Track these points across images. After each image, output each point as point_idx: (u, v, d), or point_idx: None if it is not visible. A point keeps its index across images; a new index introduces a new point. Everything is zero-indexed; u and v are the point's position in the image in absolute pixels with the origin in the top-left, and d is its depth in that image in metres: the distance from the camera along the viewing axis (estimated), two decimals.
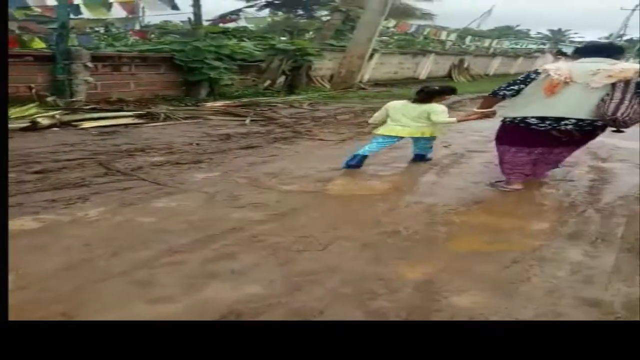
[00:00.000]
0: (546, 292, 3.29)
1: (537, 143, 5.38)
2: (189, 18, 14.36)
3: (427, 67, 22.96)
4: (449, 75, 23.76)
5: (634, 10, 51.95)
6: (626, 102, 4.82)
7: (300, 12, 33.83)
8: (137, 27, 19.44)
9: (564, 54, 39.87)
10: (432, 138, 6.54)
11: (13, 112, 7.72)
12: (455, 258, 3.76)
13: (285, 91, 13.82)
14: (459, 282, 3.36)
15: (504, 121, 5.62)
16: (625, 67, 4.98)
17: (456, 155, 7.15)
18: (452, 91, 6.78)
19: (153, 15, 20.31)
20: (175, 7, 12.81)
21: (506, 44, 36.57)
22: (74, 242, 3.71)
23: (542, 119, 5.22)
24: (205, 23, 15.86)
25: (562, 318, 3.00)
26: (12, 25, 12.35)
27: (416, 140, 6.54)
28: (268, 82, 13.65)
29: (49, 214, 4.23)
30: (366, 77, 18.61)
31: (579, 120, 5.11)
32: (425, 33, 27.11)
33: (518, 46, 39.74)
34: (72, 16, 11.03)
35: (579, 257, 3.86)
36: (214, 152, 6.63)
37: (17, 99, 8.35)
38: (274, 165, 6.17)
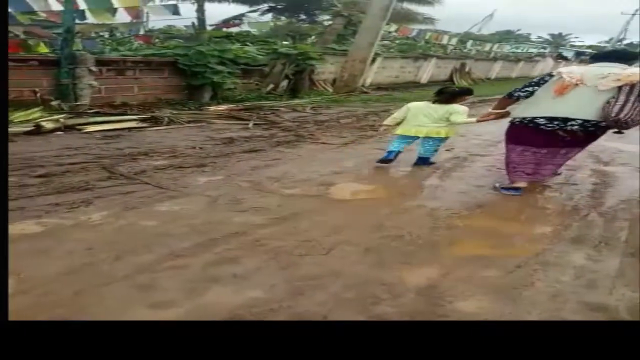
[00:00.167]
0: (550, 297, 3.29)
1: (544, 143, 5.48)
2: (193, 23, 14.40)
3: (428, 71, 22.96)
4: (450, 79, 23.75)
5: (634, 14, 52.02)
6: (629, 105, 4.93)
7: (303, 16, 33.84)
8: (142, 31, 19.47)
9: (565, 58, 39.98)
10: (445, 139, 6.64)
11: (17, 115, 7.73)
12: (458, 263, 3.75)
13: (288, 95, 13.82)
14: (462, 287, 3.36)
15: (512, 122, 5.72)
16: (633, 72, 5.08)
17: (459, 159, 7.16)
18: (470, 92, 6.97)
19: (157, 20, 20.31)
20: (176, 12, 12.84)
21: (507, 48, 36.55)
22: (77, 246, 3.71)
23: (551, 119, 5.33)
24: (208, 28, 15.87)
25: None
26: (18, 30, 12.41)
27: (425, 141, 6.58)
28: (271, 86, 13.65)
29: (51, 218, 4.22)
30: (368, 81, 18.61)
31: (584, 121, 5.22)
32: (426, 37, 27.08)
33: (519, 50, 39.70)
34: (77, 21, 11.03)
35: (583, 262, 3.86)
36: (217, 156, 6.63)
37: (22, 103, 8.35)
38: (276, 169, 6.17)
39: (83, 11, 11.50)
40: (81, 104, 9.26)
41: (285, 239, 4.02)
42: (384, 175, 6.28)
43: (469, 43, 32.03)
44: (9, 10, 10.84)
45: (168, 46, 12.92)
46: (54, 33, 11.74)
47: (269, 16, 31.53)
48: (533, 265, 3.74)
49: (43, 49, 10.59)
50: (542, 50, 43.57)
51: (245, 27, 21.76)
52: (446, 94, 6.54)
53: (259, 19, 27.76)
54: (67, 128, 7.72)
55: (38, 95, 8.95)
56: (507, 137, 5.85)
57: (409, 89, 19.24)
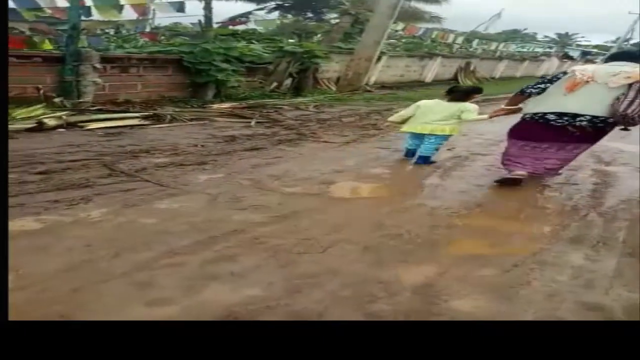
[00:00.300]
0: (546, 296, 3.29)
1: (553, 138, 5.65)
2: (199, 20, 14.36)
3: (433, 70, 22.92)
4: (455, 78, 23.68)
5: None
6: (638, 101, 5.08)
7: (310, 14, 33.84)
8: (148, 29, 19.49)
9: (571, 58, 39.94)
10: (448, 136, 6.73)
11: (19, 112, 7.73)
12: (456, 261, 3.76)
13: (292, 93, 13.81)
14: (459, 285, 3.36)
15: (523, 117, 5.92)
16: None
17: (460, 158, 7.16)
18: (480, 91, 7.19)
19: (163, 17, 20.31)
20: (181, 10, 12.83)
21: (513, 47, 36.48)
22: (76, 243, 3.71)
23: (560, 114, 5.49)
24: (215, 25, 15.86)
25: None
26: (23, 27, 12.42)
27: (427, 138, 6.64)
28: (275, 84, 13.64)
29: (51, 215, 4.22)
30: (373, 80, 18.59)
31: (593, 116, 5.37)
32: (433, 36, 27.04)
33: (525, 50, 39.63)
34: (83, 18, 11.04)
35: (580, 261, 3.86)
36: (218, 154, 6.63)
37: (25, 100, 8.35)
38: (277, 167, 6.17)
39: (89, 8, 11.52)
40: (84, 101, 9.27)
41: (285, 237, 4.02)
42: (385, 174, 6.29)
43: (475, 42, 31.99)
44: (14, 6, 10.89)
45: (173, 43, 12.91)
46: (59, 30, 11.73)
47: (275, 14, 31.57)
48: (530, 264, 3.74)
49: (48, 45, 10.61)
50: (547, 50, 43.51)
51: (251, 25, 21.80)
52: (459, 92, 6.79)
53: (265, 17, 27.80)
54: (69, 125, 7.72)
55: (41, 92, 8.95)
56: (514, 132, 6.03)
57: (413, 88, 19.21)
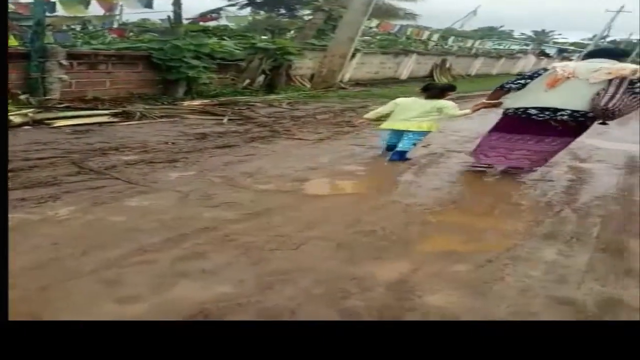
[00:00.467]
0: (519, 291, 3.30)
1: (533, 132, 5.91)
2: (169, 16, 14.20)
3: (408, 67, 22.94)
4: (430, 76, 23.75)
5: (618, 12, 52.56)
6: (618, 96, 5.32)
7: (283, 11, 33.70)
8: (115, 25, 19.25)
9: (547, 55, 40.37)
10: (426, 133, 6.79)
11: None
12: (429, 258, 3.74)
13: (265, 90, 13.73)
14: (432, 281, 3.35)
15: (505, 112, 6.16)
16: (624, 66, 5.51)
17: (435, 155, 7.15)
18: (453, 89, 7.25)
19: (132, 13, 20.11)
20: (149, 5, 12.67)
21: (489, 45, 36.72)
22: (43, 241, 3.64)
23: (542, 109, 5.74)
24: (185, 21, 15.72)
25: (534, 317, 3.01)
26: None
27: (405, 134, 6.70)
28: (247, 81, 13.54)
29: (17, 213, 4.12)
30: (347, 77, 18.56)
31: (573, 111, 5.61)
32: (407, 33, 27.08)
33: (501, 47, 39.93)
34: (47, 13, 10.84)
35: (554, 257, 3.88)
36: (189, 151, 6.53)
37: None
38: (250, 165, 6.11)
39: (54, 3, 11.32)
40: (51, 98, 9.10)
41: (257, 235, 3.98)
42: (359, 171, 6.25)
43: (451, 39, 32.15)
44: None
45: (142, 40, 12.76)
46: (23, 26, 11.52)
47: (247, 10, 31.37)
48: (504, 260, 3.75)
49: (12, 42, 10.40)
50: (524, 47, 43.89)
51: (223, 21, 21.64)
52: (434, 89, 6.90)
53: (237, 13, 27.61)
54: (36, 122, 7.57)
55: None
56: (498, 126, 6.28)
57: (388, 85, 19.21)
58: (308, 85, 16.05)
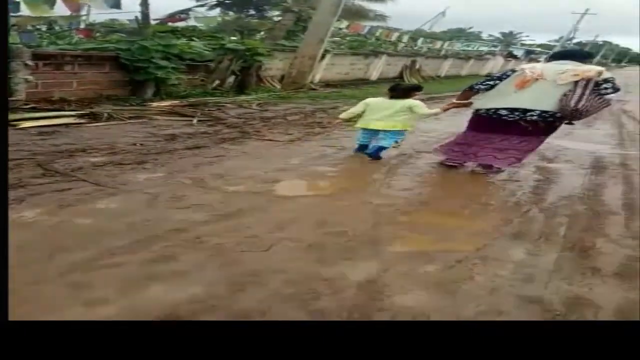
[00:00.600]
0: (488, 291, 3.31)
1: (505, 132, 6.11)
2: (136, 17, 14.10)
3: (378, 68, 23.04)
4: (400, 77, 23.89)
5: (583, 14, 53.41)
6: (585, 97, 5.55)
7: (252, 12, 33.59)
8: (82, 25, 19.03)
9: (515, 57, 40.89)
10: (403, 132, 6.96)
11: None
12: (399, 258, 3.74)
13: (235, 91, 13.70)
14: (402, 281, 3.36)
15: (477, 112, 6.37)
16: (589, 68, 5.76)
17: (405, 155, 7.17)
18: (419, 89, 7.44)
19: (99, 14, 19.90)
20: (117, 6, 12.56)
21: (458, 46, 37.03)
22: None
23: (512, 110, 5.96)
24: (153, 22, 15.60)
25: (503, 316, 3.03)
26: None
27: (383, 133, 6.86)
28: (217, 82, 13.49)
29: None
30: (317, 78, 18.58)
31: (542, 111, 5.84)
32: (377, 34, 27.21)
33: (469, 48, 40.30)
34: (12, 13, 10.67)
35: (522, 256, 3.91)
36: (158, 153, 6.48)
37: None
38: (220, 166, 6.08)
39: (18, 3, 11.16)
40: (16, 99, 8.96)
41: (227, 236, 3.95)
42: (330, 172, 6.24)
43: (420, 40, 32.36)
44: None
45: (110, 40, 12.64)
46: None
47: (216, 11, 31.20)
48: (473, 260, 3.76)
49: None
50: (492, 49, 44.35)
51: (192, 22, 21.52)
52: (399, 89, 7.08)
53: (206, 14, 27.46)
54: None
55: None
56: (470, 125, 6.53)
57: (358, 86, 19.28)
58: (278, 86, 16.05)
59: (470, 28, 74.39)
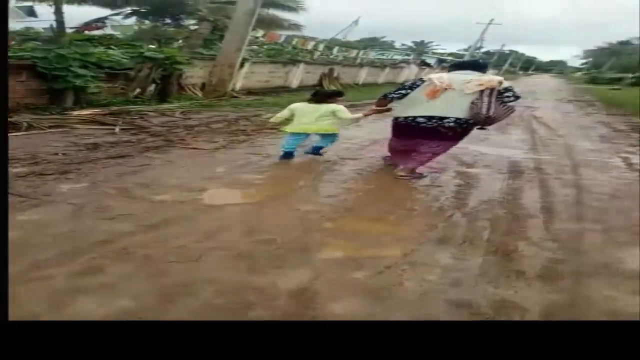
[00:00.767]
0: (418, 296, 3.35)
1: (425, 137, 6.46)
2: (51, 25, 13.78)
3: (298, 76, 23.16)
4: (319, 84, 24.05)
5: (488, 24, 55.01)
6: (493, 105, 6.09)
7: (168, 20, 33.17)
8: None
9: (428, 65, 41.83)
10: (334, 134, 7.34)
11: None
12: (329, 265, 3.76)
13: (156, 99, 13.55)
14: (333, 289, 3.38)
15: (397, 120, 6.76)
16: (491, 78, 6.34)
17: (329, 162, 7.25)
18: (340, 94, 7.96)
19: (13, 22, 19.33)
20: (32, 14, 12.26)
21: (372, 55, 37.53)
22: None
23: (429, 117, 6.36)
24: (68, 30, 15.27)
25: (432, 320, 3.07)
26: None
27: (321, 136, 7.43)
28: (138, 91, 13.32)
29: None
30: (238, 86, 18.55)
31: (457, 118, 6.28)
32: (293, 43, 27.35)
33: (384, 57, 40.91)
34: None
35: (448, 261, 3.97)
36: (81, 162, 6.37)
37: None
38: (145, 175, 6.02)
39: None
40: None
41: (155, 247, 3.92)
42: (257, 179, 6.25)
43: (336, 49, 32.66)
44: None
45: (25, 49, 12.31)
46: None
47: (132, 19, 30.72)
48: (402, 265, 3.80)
49: None
50: (406, 57, 45.12)
51: (108, 30, 21.16)
52: (320, 94, 7.60)
53: (122, 22, 27.03)
54: None
55: None
56: (394, 132, 6.93)
57: (280, 94, 19.33)
58: (200, 94, 15.96)
59: (383, 37, 75.54)
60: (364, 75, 30.31)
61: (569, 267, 3.93)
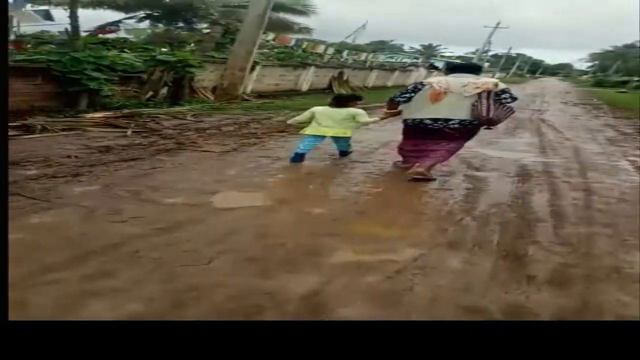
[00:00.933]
0: (429, 301, 3.33)
1: (431, 138, 6.64)
2: (66, 28, 13.85)
3: (308, 80, 23.18)
4: (329, 88, 24.06)
5: (495, 28, 54.96)
6: (492, 106, 6.34)
7: (181, 24, 33.28)
8: (12, 37, 18.59)
9: (436, 68, 41.80)
10: (349, 137, 7.66)
11: None
12: (340, 269, 3.75)
13: (168, 102, 13.61)
14: (344, 293, 3.36)
15: (406, 122, 6.99)
16: (487, 81, 6.68)
17: (339, 166, 7.26)
18: (359, 98, 8.24)
19: (29, 26, 19.45)
20: (49, 17, 12.35)
21: (382, 58, 37.51)
22: None
23: (435, 120, 6.58)
24: (83, 34, 15.35)
25: None
26: None
27: (336, 140, 7.66)
28: (150, 93, 13.39)
29: None
30: (249, 89, 18.60)
31: (461, 120, 6.51)
32: (303, 46, 27.36)
33: (393, 60, 40.87)
34: None
35: (459, 265, 3.94)
36: (93, 165, 6.41)
37: None
38: (156, 178, 6.03)
39: None
40: None
41: (167, 250, 3.91)
42: (267, 182, 6.27)
43: (345, 52, 32.65)
44: None
45: (40, 52, 12.39)
46: None
47: (146, 23, 30.83)
48: (412, 269, 3.78)
49: None
50: (415, 60, 45.06)
51: (122, 34, 21.25)
52: (342, 99, 7.88)
53: (136, 26, 27.12)
54: None
55: None
56: (404, 133, 7.14)
57: (290, 97, 19.34)
58: (211, 97, 16.00)
59: (392, 41, 75.54)
60: (373, 78, 30.35)
61: (580, 271, 3.91)
